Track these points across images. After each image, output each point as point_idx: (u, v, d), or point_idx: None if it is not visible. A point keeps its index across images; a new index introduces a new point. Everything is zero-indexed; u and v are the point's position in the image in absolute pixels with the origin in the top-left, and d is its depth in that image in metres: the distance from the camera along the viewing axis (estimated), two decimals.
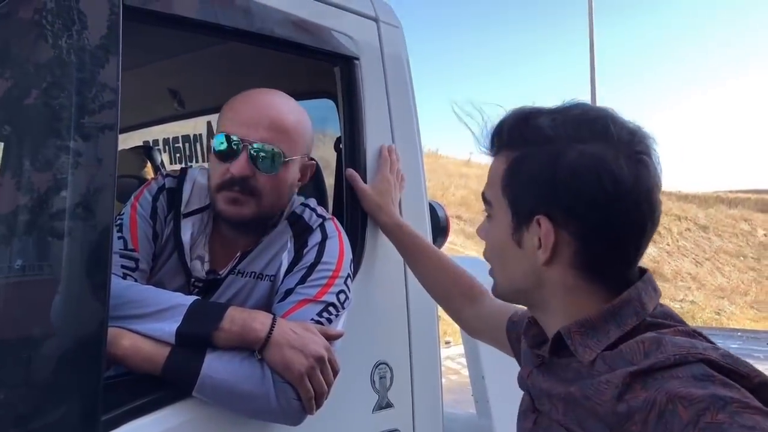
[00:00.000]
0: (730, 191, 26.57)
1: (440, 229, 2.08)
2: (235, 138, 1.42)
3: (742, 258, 20.58)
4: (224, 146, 1.44)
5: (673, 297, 16.42)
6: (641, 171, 0.93)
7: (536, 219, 0.96)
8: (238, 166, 1.42)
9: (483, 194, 1.08)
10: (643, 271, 1.01)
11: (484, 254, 1.11)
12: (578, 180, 0.92)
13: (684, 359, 0.82)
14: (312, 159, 1.59)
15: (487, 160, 1.09)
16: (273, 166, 1.44)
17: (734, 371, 0.81)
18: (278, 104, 1.49)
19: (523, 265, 1.01)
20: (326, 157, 2.12)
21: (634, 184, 0.92)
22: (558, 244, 0.95)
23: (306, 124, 1.53)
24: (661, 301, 1.00)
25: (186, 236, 1.53)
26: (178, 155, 2.88)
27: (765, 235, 22.19)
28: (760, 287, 18.57)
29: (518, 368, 1.38)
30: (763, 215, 23.63)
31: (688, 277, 17.91)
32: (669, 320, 0.95)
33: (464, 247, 14.56)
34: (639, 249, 0.97)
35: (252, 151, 1.42)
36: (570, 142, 0.94)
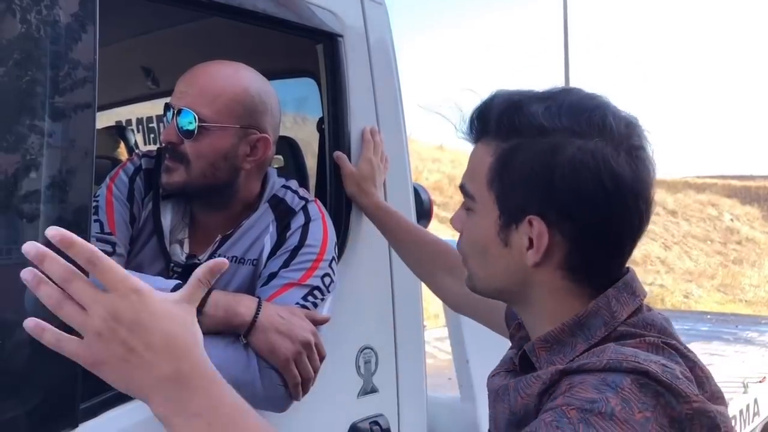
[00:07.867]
0: (698, 177, 27.01)
1: (424, 212, 2.06)
2: (169, 106, 1.41)
3: (709, 242, 20.99)
4: (165, 115, 1.43)
5: (643, 281, 16.21)
6: (640, 167, 0.89)
7: (528, 219, 0.90)
8: (165, 132, 1.41)
9: (462, 186, 0.99)
10: (626, 271, 0.95)
11: (460, 246, 1.03)
12: (578, 179, 0.86)
13: (617, 365, 0.78)
14: (264, 133, 1.45)
15: (463, 146, 1.02)
16: (190, 131, 1.38)
17: (673, 388, 0.76)
18: (216, 72, 1.43)
19: (508, 264, 0.94)
20: (307, 138, 2.08)
21: (633, 181, 0.88)
22: (551, 246, 0.89)
23: (251, 94, 1.43)
24: None
25: (166, 219, 1.48)
26: (152, 135, 2.80)
27: (731, 219, 22.67)
28: (727, 271, 18.96)
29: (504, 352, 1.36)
30: (729, 200, 24.11)
31: (657, 261, 18.19)
32: (649, 330, 0.89)
33: (437, 231, 14.55)
34: (631, 247, 0.93)
35: (177, 118, 1.39)
36: (567, 135, 0.88)
